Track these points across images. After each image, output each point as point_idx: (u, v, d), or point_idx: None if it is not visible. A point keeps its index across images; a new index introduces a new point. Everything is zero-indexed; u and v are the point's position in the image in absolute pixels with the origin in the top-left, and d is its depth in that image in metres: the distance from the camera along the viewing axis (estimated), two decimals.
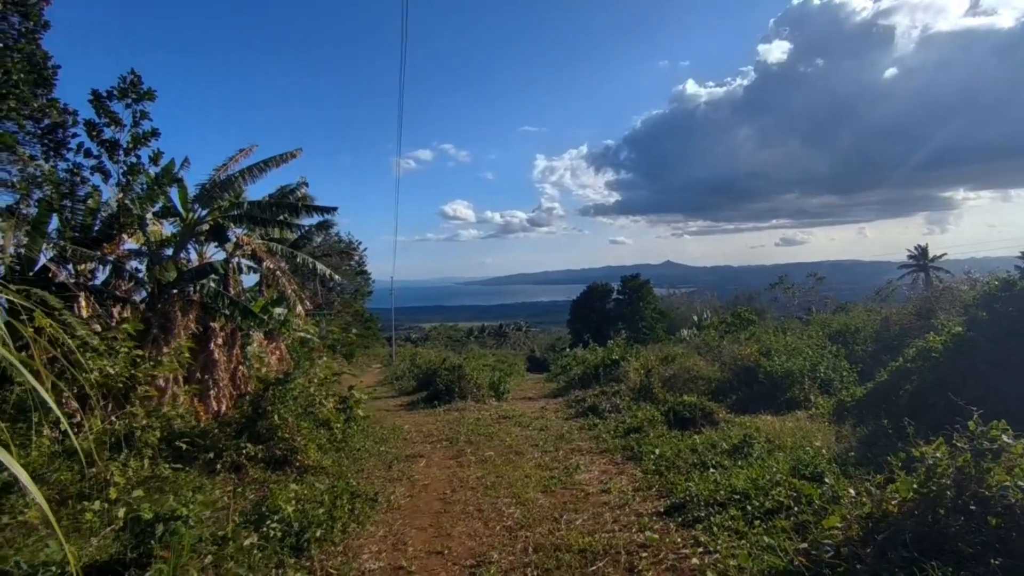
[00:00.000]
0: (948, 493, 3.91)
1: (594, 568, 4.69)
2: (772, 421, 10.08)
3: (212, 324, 13.34)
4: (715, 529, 5.19)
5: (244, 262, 16.48)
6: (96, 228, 12.71)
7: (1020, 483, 3.70)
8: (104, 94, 13.21)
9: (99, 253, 12.11)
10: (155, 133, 13.64)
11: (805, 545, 4.36)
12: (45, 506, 1.94)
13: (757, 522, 5.14)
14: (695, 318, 34.52)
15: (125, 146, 13.16)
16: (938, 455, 4.11)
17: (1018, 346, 7.76)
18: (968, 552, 3.60)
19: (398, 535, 5.95)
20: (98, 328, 12.64)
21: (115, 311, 12.63)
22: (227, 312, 12.79)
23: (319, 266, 17.01)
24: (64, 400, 6.74)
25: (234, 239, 14.41)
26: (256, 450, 7.78)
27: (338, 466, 8.31)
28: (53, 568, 4.25)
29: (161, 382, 11.55)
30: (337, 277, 20.22)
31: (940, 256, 50.70)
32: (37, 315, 7.17)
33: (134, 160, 13.35)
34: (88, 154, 13.09)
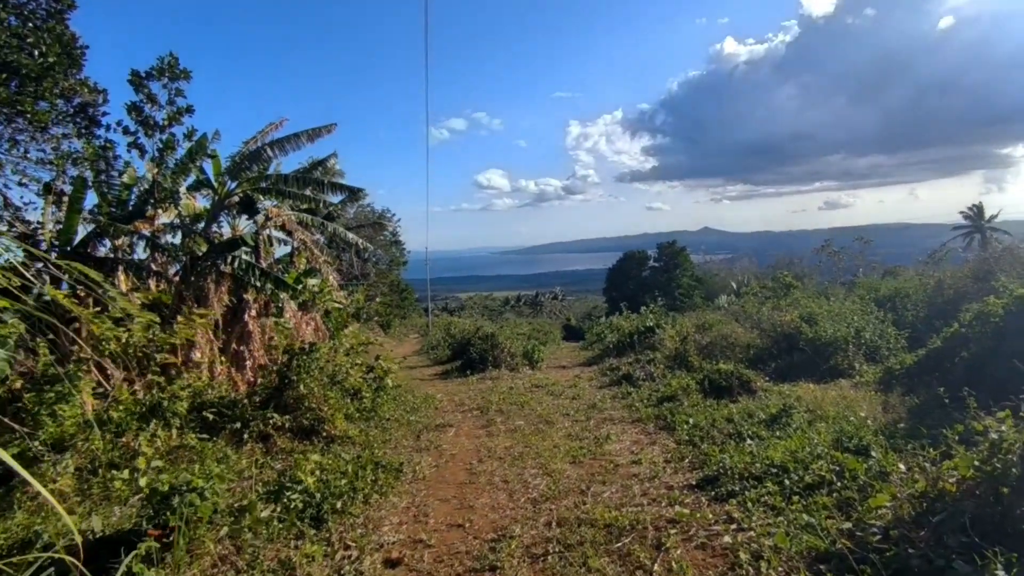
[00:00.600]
0: (1014, 471, 3.48)
1: (619, 544, 4.44)
2: (813, 390, 9.59)
3: (245, 296, 13.44)
4: (750, 504, 4.86)
5: (276, 234, 16.54)
6: (131, 203, 12.85)
7: None
8: (143, 74, 13.27)
9: (134, 227, 12.23)
10: (190, 110, 13.62)
11: (849, 525, 4.00)
12: (44, 492, 1.81)
13: (796, 498, 4.78)
14: (733, 285, 33.55)
15: (161, 123, 13.21)
16: (1003, 428, 3.67)
17: None
18: None
19: (420, 506, 5.81)
20: (139, 301, 12.90)
21: (152, 284, 12.82)
22: (258, 283, 12.84)
23: (350, 236, 16.97)
24: (90, 370, 6.78)
25: (264, 211, 14.41)
26: (283, 420, 7.75)
27: (365, 436, 8.24)
28: (70, 538, 4.24)
29: (197, 354, 11.74)
30: (370, 247, 20.29)
31: (996, 215, 47.74)
32: (49, 290, 7.22)
33: (168, 136, 13.40)
34: (126, 131, 13.19)
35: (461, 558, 4.56)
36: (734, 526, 4.58)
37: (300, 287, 16.17)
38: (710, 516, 4.76)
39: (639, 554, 4.30)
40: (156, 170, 12.85)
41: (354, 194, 15.35)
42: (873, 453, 5.15)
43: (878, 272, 27.15)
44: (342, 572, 4.37)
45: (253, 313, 13.51)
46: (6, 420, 5.88)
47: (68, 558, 2.39)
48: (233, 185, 13.01)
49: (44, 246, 11.38)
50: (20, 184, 12.23)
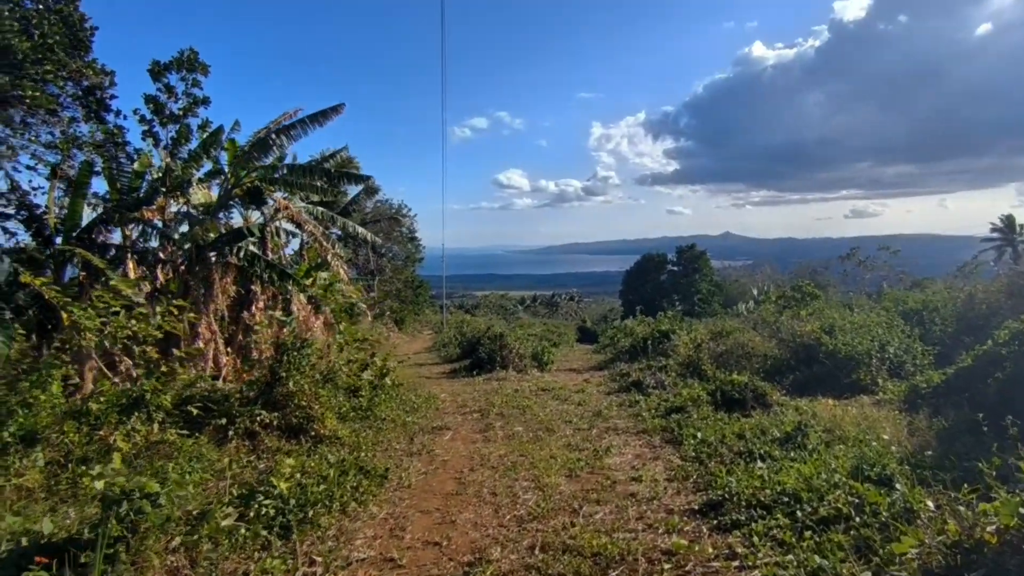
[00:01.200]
0: None
1: None
2: (832, 406, 8.97)
3: (253, 287, 13.19)
4: (756, 538, 4.33)
5: (286, 227, 16.28)
6: (142, 191, 12.65)
7: None
8: (163, 65, 13.16)
9: (141, 215, 12.03)
10: (205, 101, 13.49)
11: (868, 574, 3.47)
12: None
13: (808, 533, 4.24)
14: (753, 291, 32.68)
15: (176, 113, 13.04)
16: None
17: None
18: None
19: (400, 519, 5.38)
20: (147, 289, 12.70)
21: (160, 274, 12.61)
22: (264, 275, 12.57)
23: (360, 230, 16.67)
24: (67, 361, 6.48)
25: (273, 203, 14.15)
26: (271, 417, 7.40)
27: (356, 437, 7.84)
28: (10, 541, 3.90)
29: (201, 343, 11.49)
30: (378, 241, 19.95)
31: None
32: (26, 275, 6.93)
33: (182, 127, 13.22)
34: (143, 120, 13.04)
35: None
36: (736, 563, 4.06)
37: (310, 280, 15.91)
38: (710, 550, 4.25)
39: None
40: (168, 159, 12.67)
41: (363, 182, 15.03)
42: (898, 486, 4.58)
43: (905, 283, 26.16)
44: None
45: (260, 305, 13.26)
46: None
47: None
48: (241, 175, 12.74)
49: (48, 232, 11.23)
50: (29, 168, 12.13)
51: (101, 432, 6.27)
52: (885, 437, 6.71)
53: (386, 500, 5.87)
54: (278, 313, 11.69)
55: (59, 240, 10.99)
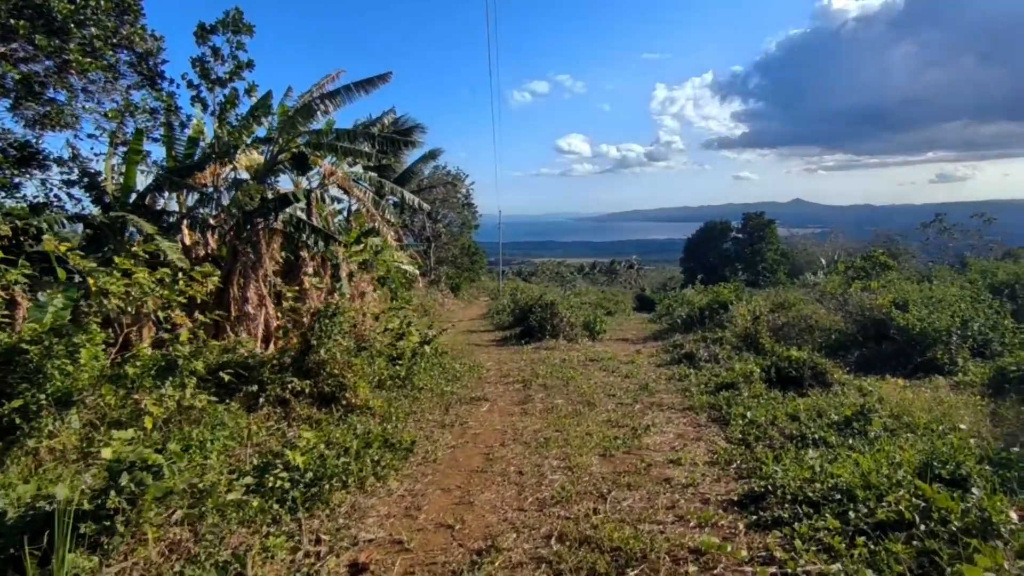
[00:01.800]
0: None
1: None
2: (902, 387, 8.12)
3: (302, 254, 13.27)
4: (798, 541, 3.80)
5: (335, 194, 16.28)
6: (196, 157, 12.82)
7: None
8: (208, 27, 13.14)
9: (193, 181, 12.20)
10: (250, 64, 13.43)
11: None
12: None
13: (861, 540, 3.68)
14: (822, 261, 30.71)
15: (223, 77, 13.05)
16: None
17: None
18: None
19: (418, 496, 5.15)
20: (202, 253, 12.97)
21: (211, 239, 12.83)
22: (310, 241, 12.58)
23: (410, 197, 16.48)
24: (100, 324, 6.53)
25: (319, 169, 14.09)
26: (303, 385, 7.32)
27: (389, 407, 7.68)
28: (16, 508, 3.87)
29: (250, 308, 11.66)
30: (427, 207, 19.75)
31: None
32: (48, 242, 6.99)
33: (230, 91, 13.24)
34: (190, 85, 13.14)
35: (435, 571, 3.84)
36: (773, 569, 3.56)
37: (361, 247, 15.92)
38: (744, 552, 3.75)
39: None
40: (217, 124, 12.74)
41: (409, 138, 14.72)
42: (974, 490, 3.92)
43: (996, 253, 23.84)
44: (296, 575, 3.78)
45: (309, 271, 13.34)
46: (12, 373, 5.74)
47: None
48: (287, 140, 12.69)
49: (107, 199, 11.55)
50: (90, 136, 12.46)
51: (136, 396, 6.32)
52: (962, 427, 5.95)
53: (408, 475, 5.66)
54: (316, 279, 11.66)
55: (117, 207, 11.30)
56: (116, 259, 6.80)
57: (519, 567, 3.79)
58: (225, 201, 12.79)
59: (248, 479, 4.90)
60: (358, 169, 18.53)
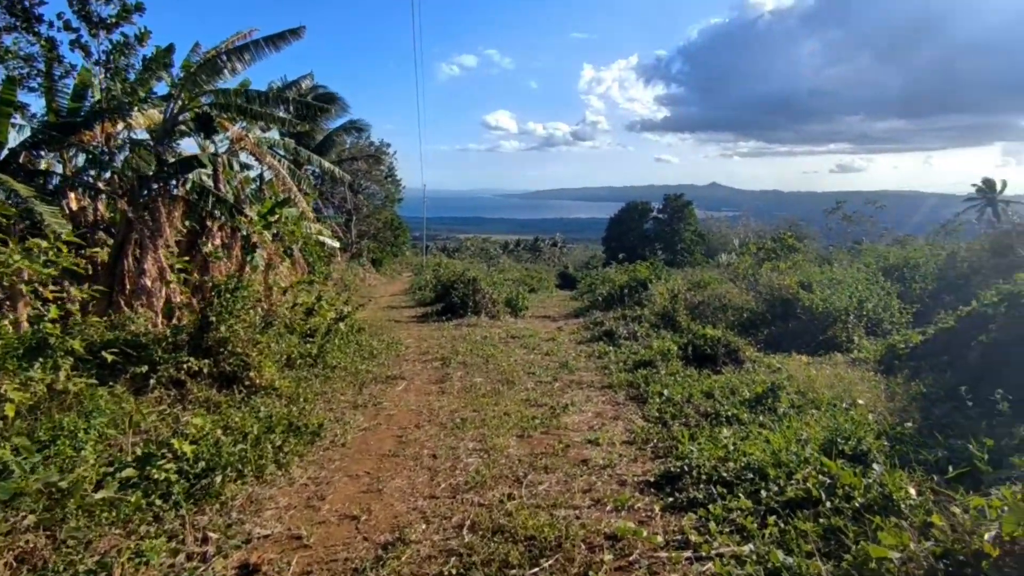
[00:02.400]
0: None
1: (534, 572, 3.36)
2: (807, 363, 8.46)
3: (208, 223, 12.24)
4: (712, 523, 3.75)
5: (246, 160, 15.16)
6: (83, 113, 11.45)
7: None
8: None
9: (77, 139, 10.90)
10: (139, 8, 12.06)
11: None
12: None
13: (772, 519, 3.67)
14: (735, 242, 32.09)
15: (107, 20, 11.65)
16: None
17: None
18: None
19: (322, 485, 4.76)
20: (91, 220, 11.68)
21: (101, 206, 11.60)
22: (216, 211, 11.61)
23: (328, 166, 15.60)
24: None
25: (227, 134, 13.00)
26: (201, 365, 6.67)
27: (297, 387, 7.18)
28: None
29: (148, 281, 10.63)
30: (348, 178, 18.85)
31: (1003, 188, 45.22)
32: None
33: (119, 38, 11.87)
34: (68, 27, 11.66)
35: (335, 570, 3.51)
36: (688, 553, 3.48)
37: (274, 218, 14.93)
38: (660, 538, 3.64)
39: None
40: (103, 75, 11.41)
41: (327, 111, 13.85)
42: (875, 466, 4.01)
43: (887, 240, 25.67)
44: None
45: (217, 242, 12.35)
46: None
47: None
48: (187, 100, 11.55)
49: None
50: None
51: None
52: (861, 402, 6.20)
53: (313, 461, 5.25)
54: (220, 251, 10.79)
55: None
56: (63, 225, 5.86)
57: (427, 561, 3.52)
58: (119, 163, 11.55)
59: (129, 472, 4.34)
60: (274, 135, 17.36)
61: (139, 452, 4.79)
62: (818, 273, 13.20)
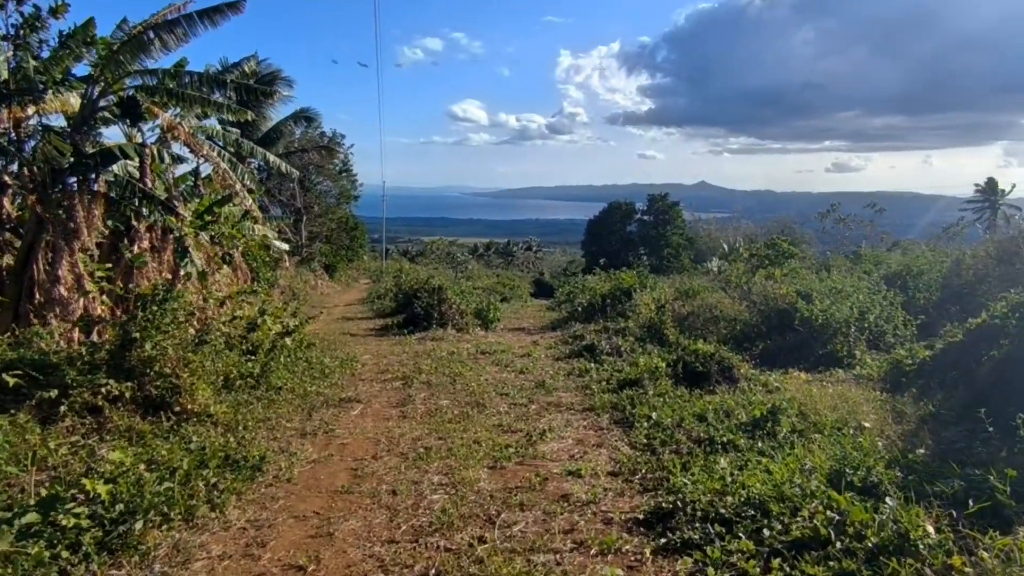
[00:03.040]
0: None
1: None
2: (806, 382, 8.52)
3: (135, 224, 11.86)
4: (711, 568, 3.67)
5: (181, 153, 14.77)
6: None
7: None
8: None
9: None
10: None
11: None
12: None
13: (777, 562, 3.60)
14: (725, 247, 32.58)
15: None
16: None
17: None
18: None
19: (264, 528, 4.55)
20: None
21: (7, 202, 11.14)
22: (144, 209, 11.24)
23: (274, 160, 15.30)
24: None
25: (157, 121, 12.64)
26: (122, 388, 6.38)
27: (235, 413, 6.94)
28: None
29: (63, 291, 10.22)
30: (296, 173, 18.53)
31: (1010, 190, 46.87)
32: None
33: (31, 10, 11.43)
34: None
35: None
36: None
37: (212, 217, 14.58)
38: None
39: None
40: (12, 52, 10.99)
41: (273, 96, 13.59)
42: (888, 500, 3.99)
43: (886, 244, 26.34)
44: None
45: (145, 245, 11.97)
46: None
47: None
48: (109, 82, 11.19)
49: None
50: None
51: None
52: (867, 425, 6.25)
53: (253, 500, 5.03)
54: (143, 256, 10.45)
55: None
56: None
57: None
58: (28, 153, 11.10)
59: (31, 517, 4.07)
60: (213, 124, 16.96)
61: (44, 493, 4.51)
62: (816, 281, 13.38)
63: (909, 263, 15.38)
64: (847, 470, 4.58)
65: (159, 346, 6.72)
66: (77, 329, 9.54)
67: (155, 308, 6.88)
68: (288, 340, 9.40)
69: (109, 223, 11.34)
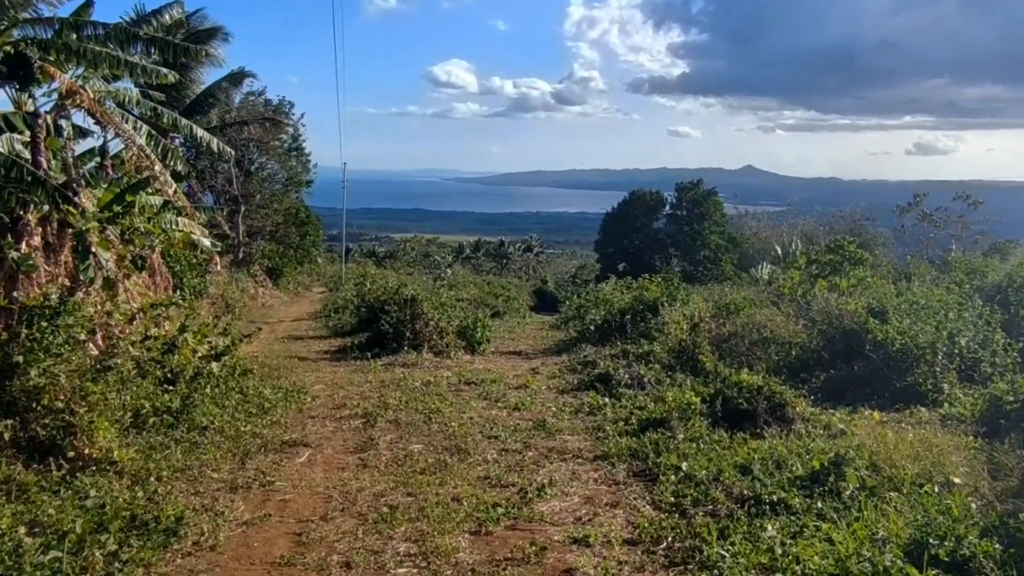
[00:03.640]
0: None
1: None
2: (880, 424, 8.54)
3: (24, 215, 11.89)
4: None
5: (84, 124, 14.82)
6: None
7: None
8: None
9: None
10: None
11: None
12: None
13: None
14: (778, 250, 32.77)
15: None
16: None
17: None
18: None
19: None
20: None
21: None
22: (34, 197, 11.24)
23: (201, 133, 15.35)
24: None
25: (59, 85, 12.70)
26: (1, 427, 6.39)
27: (146, 460, 6.96)
28: None
29: None
30: (230, 151, 18.57)
31: None
32: None
33: None
34: None
35: None
36: None
37: (123, 208, 14.65)
38: None
39: None
40: None
41: (203, 55, 13.70)
42: None
43: (982, 247, 26.51)
44: None
45: (36, 242, 12.03)
46: None
47: None
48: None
49: None
50: None
51: None
52: (957, 481, 6.24)
53: (166, 574, 5.01)
54: (29, 257, 10.50)
55: None
56: None
57: None
58: None
59: None
60: (128, 88, 17.01)
61: None
62: (894, 295, 13.45)
63: (1011, 272, 15.48)
64: (931, 540, 4.59)
65: (49, 373, 6.76)
66: None
67: (45, 324, 6.95)
68: (217, 365, 9.49)
69: None
